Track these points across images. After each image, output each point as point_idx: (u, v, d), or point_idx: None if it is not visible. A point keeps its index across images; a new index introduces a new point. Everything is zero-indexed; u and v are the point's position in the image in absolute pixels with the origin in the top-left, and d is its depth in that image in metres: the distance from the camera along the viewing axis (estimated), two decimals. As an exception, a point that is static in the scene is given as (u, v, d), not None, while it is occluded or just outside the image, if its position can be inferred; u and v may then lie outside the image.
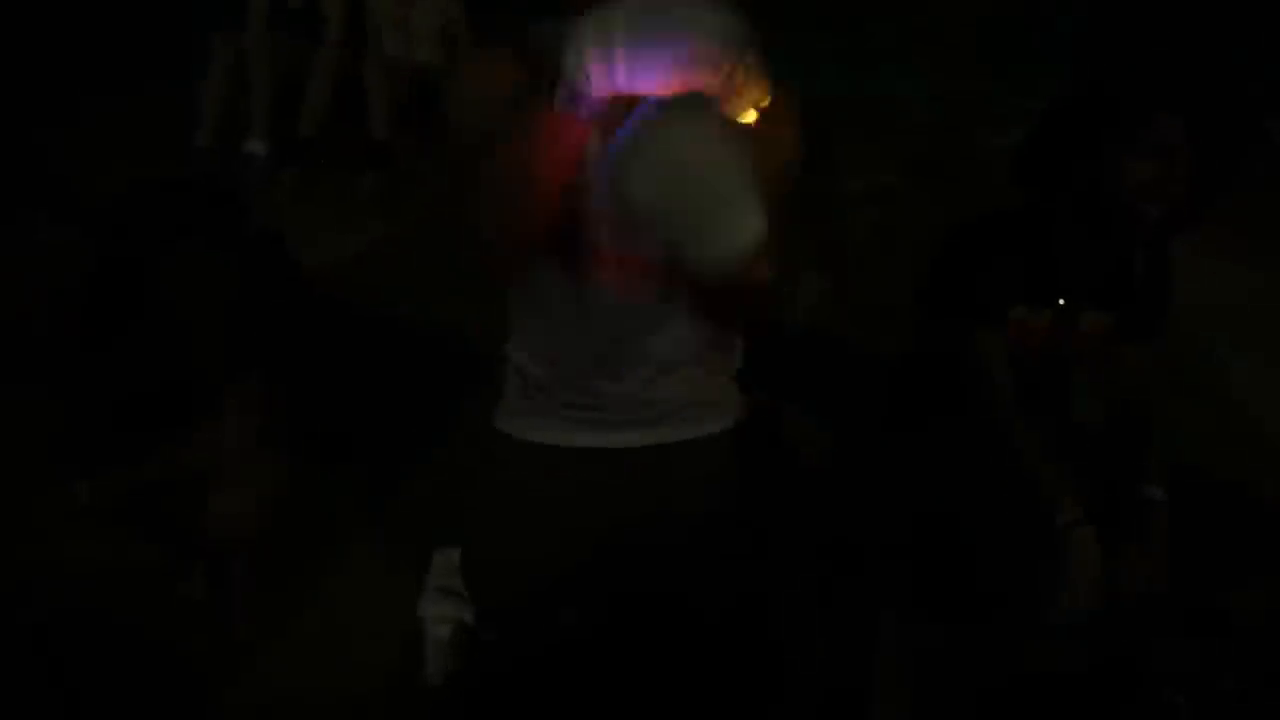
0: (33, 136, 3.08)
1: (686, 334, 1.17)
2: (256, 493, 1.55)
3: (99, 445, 1.52)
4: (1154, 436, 1.41)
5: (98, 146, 3.07)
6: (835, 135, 3.47)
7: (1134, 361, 1.47)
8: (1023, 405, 1.38)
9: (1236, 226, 2.50)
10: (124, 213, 1.52)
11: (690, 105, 0.86)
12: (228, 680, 1.50)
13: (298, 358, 1.66)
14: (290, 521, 1.64)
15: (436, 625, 1.44)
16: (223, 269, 1.53)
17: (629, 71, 0.87)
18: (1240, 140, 1.29)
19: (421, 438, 2.01)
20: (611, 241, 1.07)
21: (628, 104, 0.88)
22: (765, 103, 0.95)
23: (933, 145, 3.28)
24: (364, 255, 2.90)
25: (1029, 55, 3.11)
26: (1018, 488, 1.34)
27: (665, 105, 0.85)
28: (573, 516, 1.18)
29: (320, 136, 3.49)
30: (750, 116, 0.94)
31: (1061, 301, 1.44)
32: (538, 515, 1.18)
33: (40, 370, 1.50)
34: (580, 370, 1.19)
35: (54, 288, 1.46)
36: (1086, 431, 1.50)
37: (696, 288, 1.03)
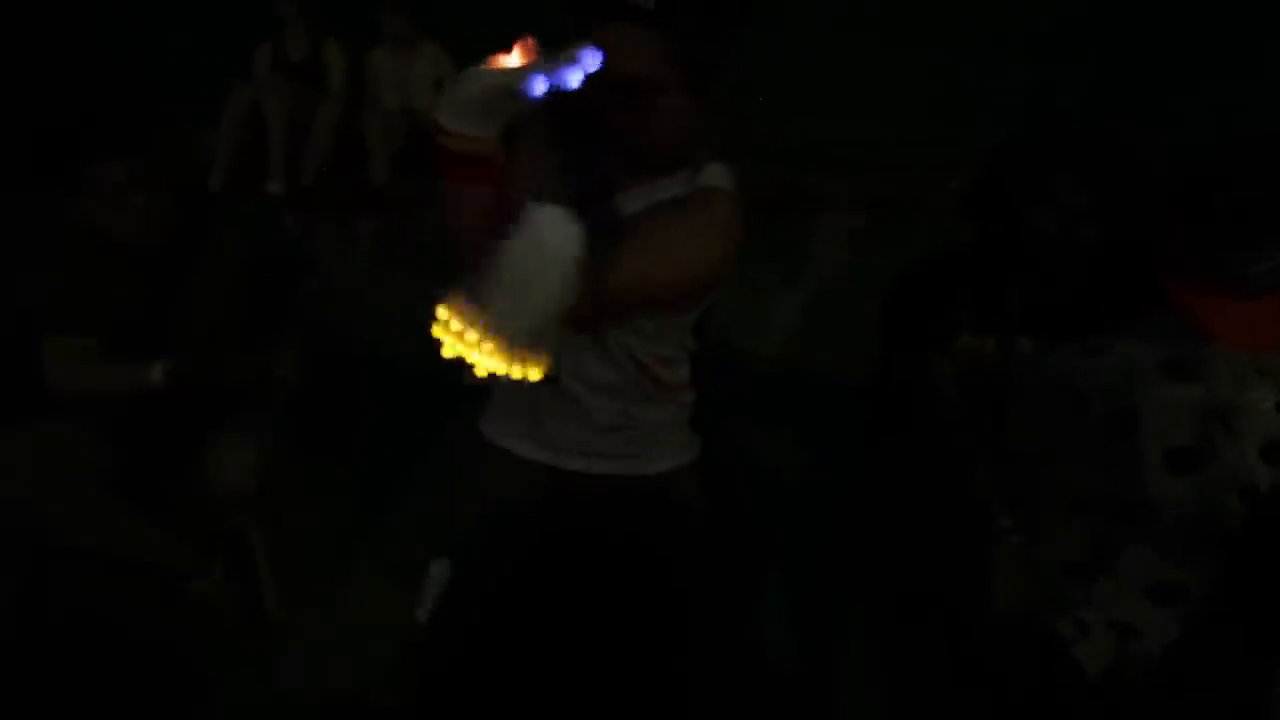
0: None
1: (617, 357, 1.15)
2: (255, 449, 1.66)
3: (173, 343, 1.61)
4: None
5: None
6: (807, 175, 3.68)
7: None
8: (968, 423, 1.52)
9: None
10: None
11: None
12: (232, 676, 1.61)
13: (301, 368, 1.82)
14: (297, 529, 1.75)
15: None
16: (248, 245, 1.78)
17: None
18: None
19: (421, 455, 2.13)
20: None
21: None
22: None
23: (899, 185, 3.46)
24: (361, 290, 3.05)
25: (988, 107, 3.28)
26: (961, 496, 1.47)
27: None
28: (530, 520, 1.23)
29: (321, 183, 3.65)
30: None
31: (998, 334, 1.58)
32: (504, 515, 1.25)
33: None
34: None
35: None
36: (1022, 447, 1.63)
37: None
